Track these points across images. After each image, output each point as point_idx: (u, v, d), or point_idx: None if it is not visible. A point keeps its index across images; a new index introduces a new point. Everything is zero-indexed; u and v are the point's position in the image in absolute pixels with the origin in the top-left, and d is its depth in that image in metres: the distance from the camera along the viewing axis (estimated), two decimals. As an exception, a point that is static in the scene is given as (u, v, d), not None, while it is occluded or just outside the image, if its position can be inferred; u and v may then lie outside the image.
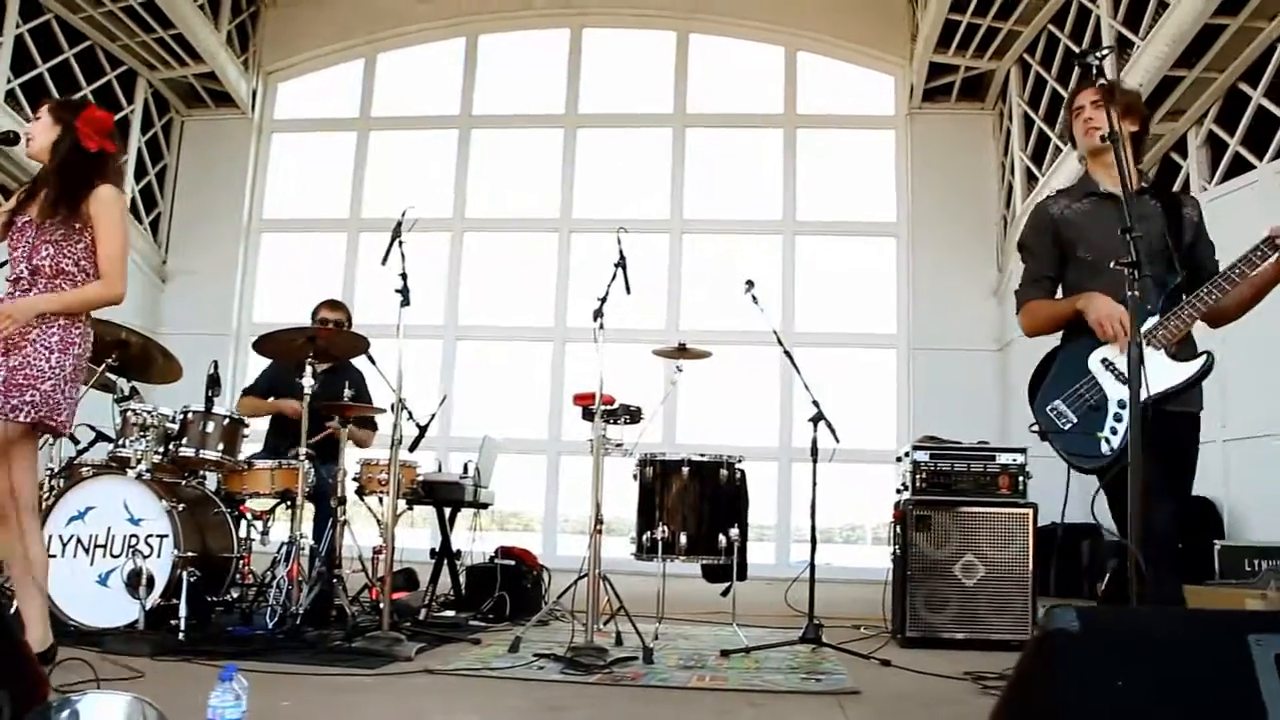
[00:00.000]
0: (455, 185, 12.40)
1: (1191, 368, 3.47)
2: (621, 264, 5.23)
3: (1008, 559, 5.55)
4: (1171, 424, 3.43)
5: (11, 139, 3.89)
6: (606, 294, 5.06)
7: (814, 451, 5.60)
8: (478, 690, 4.12)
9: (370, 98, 13.00)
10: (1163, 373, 3.42)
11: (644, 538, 5.57)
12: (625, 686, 4.26)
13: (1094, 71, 3.41)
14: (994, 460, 5.78)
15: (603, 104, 12.55)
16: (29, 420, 3.65)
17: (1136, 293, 3.08)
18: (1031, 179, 10.61)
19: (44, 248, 3.74)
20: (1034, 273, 3.89)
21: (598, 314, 4.96)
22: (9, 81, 11.07)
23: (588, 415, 5.07)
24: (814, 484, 5.56)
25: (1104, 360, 3.58)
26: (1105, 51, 3.45)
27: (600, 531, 4.90)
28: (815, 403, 5.65)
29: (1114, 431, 3.47)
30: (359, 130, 12.92)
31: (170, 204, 13.10)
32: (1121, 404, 3.46)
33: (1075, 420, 3.56)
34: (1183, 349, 3.53)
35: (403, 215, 5.01)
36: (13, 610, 4.62)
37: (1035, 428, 3.65)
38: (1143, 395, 3.05)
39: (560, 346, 11.81)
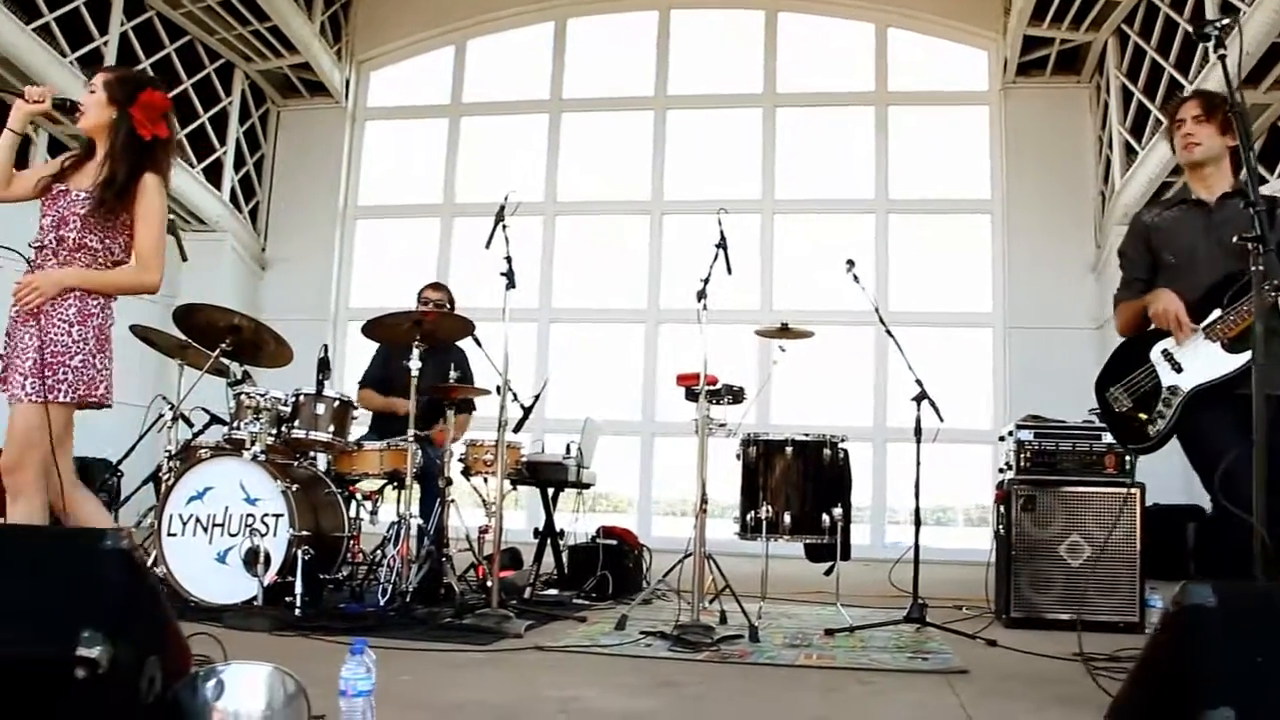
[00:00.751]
0: (546, 169, 12.48)
1: (1239, 360, 3.66)
2: (722, 245, 5.22)
3: (1115, 539, 5.46)
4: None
5: (69, 108, 3.76)
6: (709, 275, 5.06)
7: (918, 431, 5.55)
8: (588, 666, 4.16)
9: (461, 84, 13.12)
10: (1214, 363, 3.73)
11: (748, 517, 5.57)
12: (733, 664, 4.28)
13: (1213, 43, 3.35)
14: (1100, 439, 5.68)
15: (692, 85, 12.52)
16: (70, 400, 3.62)
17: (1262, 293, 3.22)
18: (1131, 153, 10.36)
19: (73, 219, 3.68)
20: (1127, 276, 4.17)
21: (701, 295, 4.96)
22: (114, 77, 11.35)
23: (691, 396, 5.09)
24: (918, 464, 5.52)
25: (1164, 351, 3.86)
26: (1225, 21, 3.38)
27: (705, 511, 4.92)
28: (919, 381, 5.61)
29: (1161, 416, 3.81)
30: (450, 116, 13.05)
31: (268, 193, 13.36)
32: (1172, 390, 3.79)
33: (1129, 405, 3.90)
34: (1240, 342, 3.68)
35: (505, 199, 5.05)
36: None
37: (1094, 410, 4.06)
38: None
39: (653, 328, 11.84)
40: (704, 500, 4.93)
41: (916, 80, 12.15)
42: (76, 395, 3.62)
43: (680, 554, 5.26)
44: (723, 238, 5.24)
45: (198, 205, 12.07)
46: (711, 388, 5.09)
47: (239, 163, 12.90)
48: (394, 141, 13.39)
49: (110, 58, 11.24)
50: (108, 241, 3.74)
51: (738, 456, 5.67)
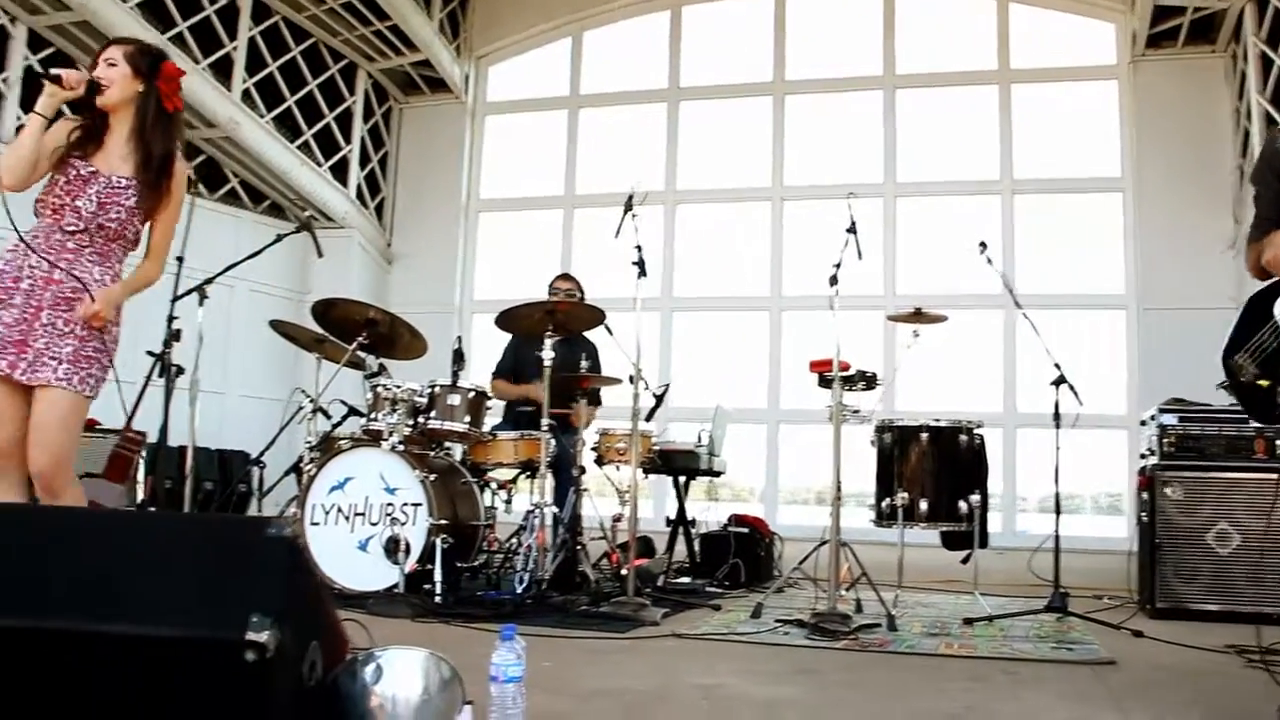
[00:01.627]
0: (666, 158, 12.45)
1: None
2: (853, 230, 5.15)
3: (1266, 527, 5.25)
4: None
5: (94, 88, 3.48)
6: (840, 260, 5.00)
7: (1056, 416, 5.42)
8: (728, 654, 4.16)
9: (579, 76, 13.17)
10: None
11: (883, 504, 5.50)
12: (873, 653, 4.24)
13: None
14: (1249, 422, 5.46)
15: (810, 70, 12.36)
16: (93, 395, 3.50)
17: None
18: (1271, 123, 9.93)
19: (116, 209, 3.49)
20: (1258, 214, 3.54)
21: (833, 280, 4.90)
22: (243, 81, 11.71)
23: (824, 382, 5.04)
24: (1057, 449, 5.39)
25: None
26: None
27: (840, 498, 4.87)
28: (1058, 365, 5.47)
29: None
30: (569, 108, 13.11)
31: (393, 189, 13.61)
32: None
33: (1254, 372, 3.33)
34: None
35: (632, 191, 5.06)
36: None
37: (1221, 384, 3.44)
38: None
39: (776, 315, 11.75)
40: (839, 487, 4.87)
41: (1040, 57, 11.80)
42: (99, 390, 3.53)
43: (807, 541, 5.23)
44: (853, 223, 5.17)
45: (325, 203, 12.34)
46: (845, 374, 5.03)
47: (364, 160, 13.15)
48: (514, 135, 13.51)
49: (240, 63, 11.57)
50: (136, 235, 3.62)
51: (872, 443, 5.60)
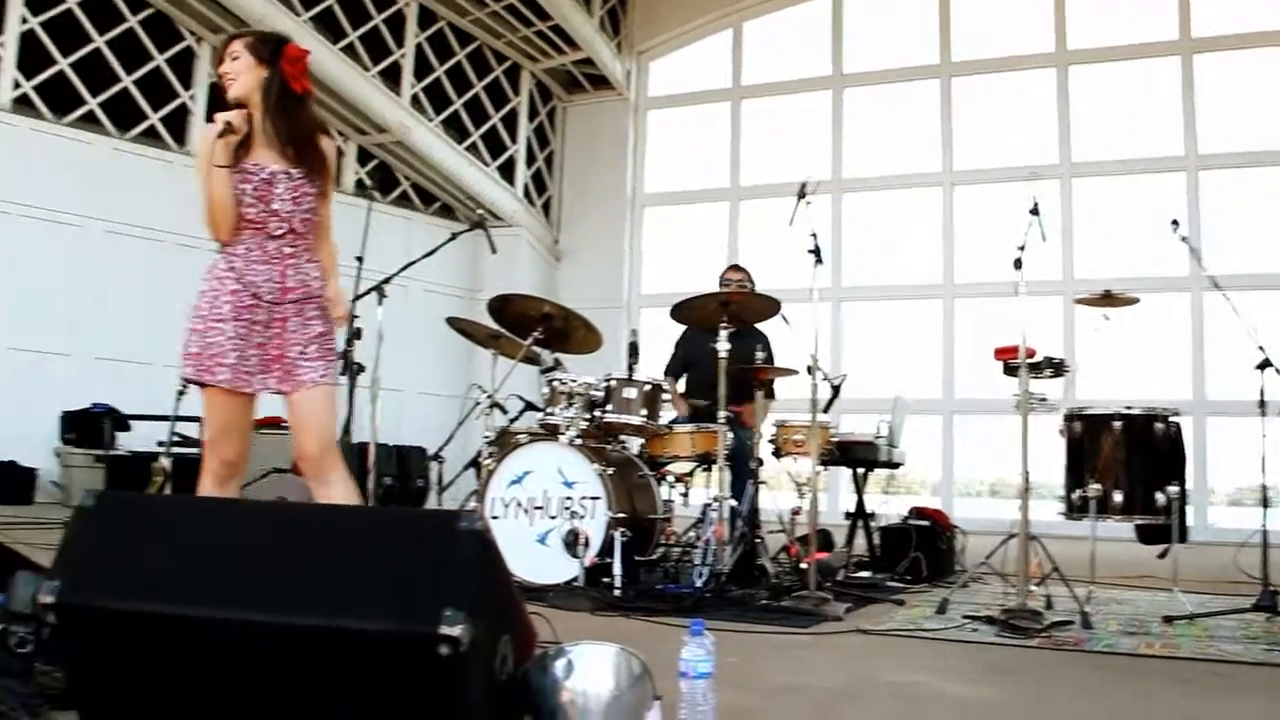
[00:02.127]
0: (831, 146, 12.29)
1: None
2: (1035, 211, 4.95)
3: None
4: None
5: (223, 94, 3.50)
6: (1024, 243, 4.81)
7: (1262, 402, 5.11)
8: (915, 651, 4.04)
9: (740, 67, 13.11)
10: None
11: (1073, 496, 5.27)
12: (1067, 652, 4.06)
13: None
14: None
15: (977, 50, 12.01)
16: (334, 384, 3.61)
17: None
18: None
19: (306, 200, 3.52)
20: None
21: (1018, 264, 4.72)
22: (412, 87, 12.00)
23: (1010, 370, 4.86)
24: (1263, 436, 5.08)
25: None
26: None
27: (1028, 490, 4.68)
28: (1262, 348, 5.16)
29: None
30: (731, 100, 13.07)
31: (559, 186, 13.79)
32: None
33: None
34: None
35: (804, 180, 4.97)
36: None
37: None
38: None
39: (949, 303, 11.48)
40: (1027, 479, 4.69)
41: (1225, 23, 11.20)
42: (337, 374, 3.70)
43: (985, 535, 5.05)
44: (1035, 204, 4.96)
45: (494, 202, 12.56)
46: (1032, 360, 4.83)
47: (530, 159, 13.36)
48: (677, 129, 13.54)
49: (407, 70, 11.89)
50: (321, 210, 3.61)
51: (1061, 432, 5.37)
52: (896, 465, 6.52)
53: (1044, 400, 4.93)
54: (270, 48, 3.50)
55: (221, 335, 3.40)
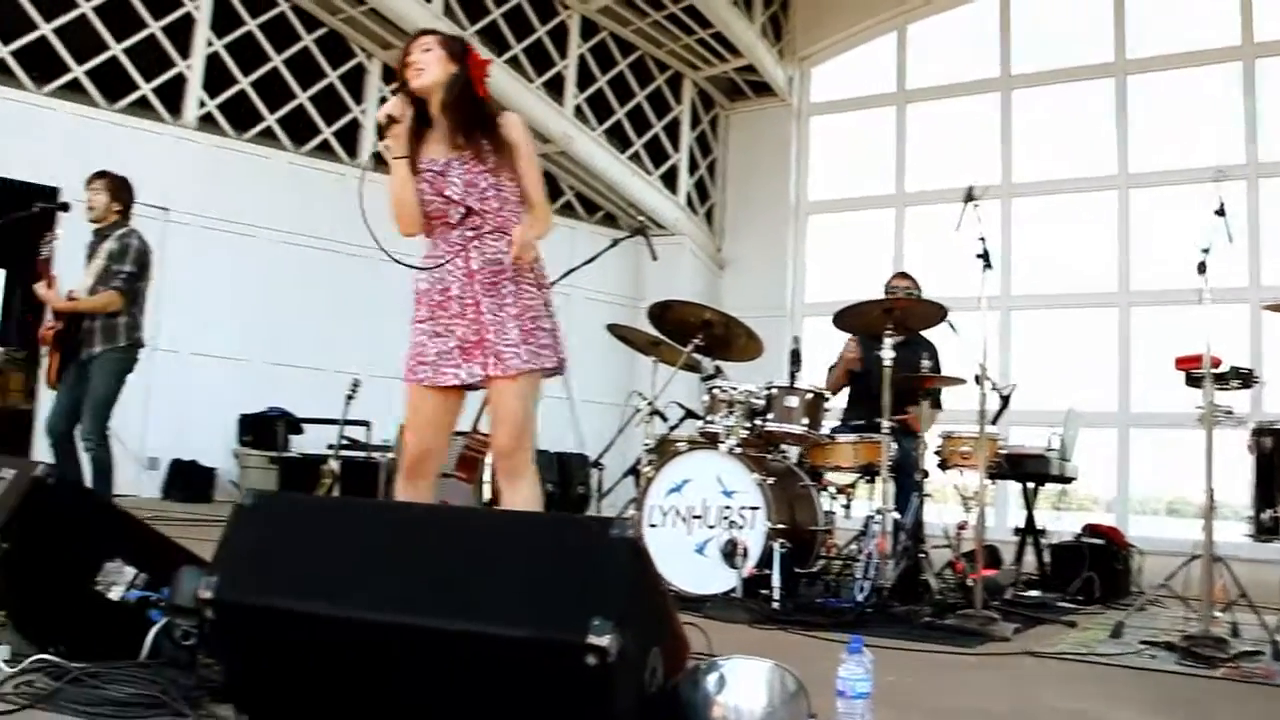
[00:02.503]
0: (1000, 150, 11.92)
1: None
2: (1221, 212, 4.67)
3: None
4: None
5: (405, 88, 3.45)
6: (1209, 246, 4.54)
7: None
8: (1088, 677, 3.84)
9: (904, 70, 12.85)
10: None
11: (1263, 516, 4.94)
12: (1256, 684, 3.79)
13: None
14: None
15: (1155, 46, 11.48)
16: (554, 364, 3.44)
17: None
18: None
19: (479, 179, 3.45)
20: None
21: (1201, 268, 4.46)
22: (575, 97, 12.14)
23: (1192, 381, 4.60)
24: None
25: None
26: None
27: (1213, 509, 4.42)
28: None
29: None
30: (896, 104, 12.82)
31: (721, 194, 13.76)
32: None
33: None
34: None
35: (971, 184, 4.81)
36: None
37: None
38: None
39: (1125, 311, 10.99)
40: (1211, 496, 4.42)
41: None
42: (558, 358, 3.45)
43: (1162, 555, 4.78)
44: (1221, 205, 4.68)
45: (656, 211, 12.59)
46: (1217, 371, 4.56)
47: (693, 167, 13.37)
48: (840, 135, 13.36)
49: (570, 80, 12.04)
50: (513, 186, 3.51)
51: (1250, 448, 5.05)
52: (1069, 480, 6.25)
53: (1230, 413, 4.64)
54: (459, 47, 3.52)
55: (423, 336, 3.44)
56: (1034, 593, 5.87)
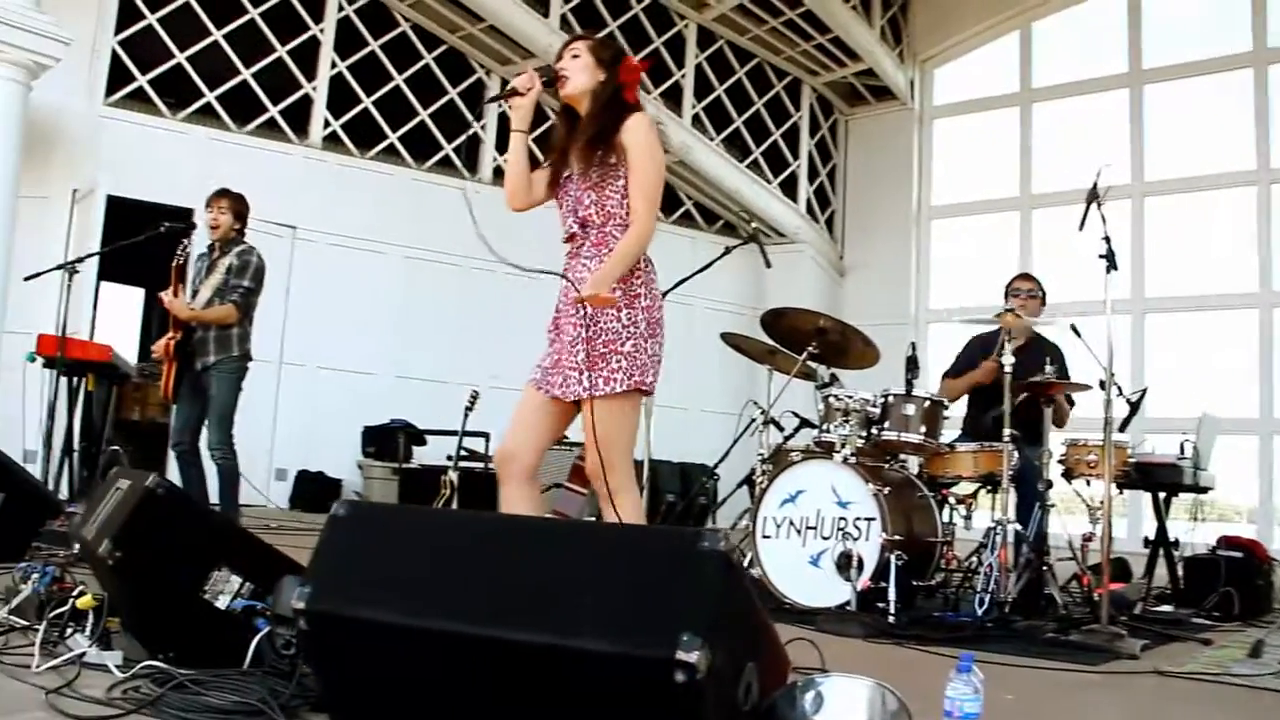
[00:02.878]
0: (1130, 148, 11.53)
1: None
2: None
3: None
4: None
5: (553, 79, 3.45)
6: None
7: None
8: (1220, 699, 3.64)
9: (1029, 69, 12.55)
10: None
11: None
12: None
13: None
14: None
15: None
16: (623, 389, 3.31)
17: None
18: None
19: (587, 194, 3.40)
20: None
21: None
22: (692, 107, 12.13)
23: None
24: None
25: None
26: None
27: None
28: None
29: None
30: (1020, 104, 12.53)
31: (842, 201, 13.61)
32: None
33: None
34: None
35: (1097, 175, 4.59)
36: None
37: None
38: None
39: (1266, 313, 10.52)
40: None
41: None
42: (631, 383, 3.32)
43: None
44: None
45: (776, 219, 12.52)
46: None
47: (812, 174, 13.25)
48: (963, 137, 13.10)
49: (688, 90, 12.05)
50: (625, 200, 3.39)
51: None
52: (1204, 489, 5.97)
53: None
54: (611, 53, 3.50)
55: (548, 338, 3.50)
56: (1165, 608, 5.62)
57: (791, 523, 5.09)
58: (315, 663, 2.31)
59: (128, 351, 7.67)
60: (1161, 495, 5.96)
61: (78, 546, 3.29)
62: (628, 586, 2.03)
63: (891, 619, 4.59)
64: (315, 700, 2.37)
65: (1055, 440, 5.37)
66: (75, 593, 2.93)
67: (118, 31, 9.53)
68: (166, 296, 5.93)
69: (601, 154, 3.38)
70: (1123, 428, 5.57)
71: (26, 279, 6.51)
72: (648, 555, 2.12)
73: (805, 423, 5.99)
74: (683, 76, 12.13)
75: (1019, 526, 5.03)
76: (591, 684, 1.99)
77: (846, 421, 5.20)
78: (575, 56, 3.45)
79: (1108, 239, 4.56)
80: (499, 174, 3.49)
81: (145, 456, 7.33)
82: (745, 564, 5.31)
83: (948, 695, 2.37)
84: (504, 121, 10.32)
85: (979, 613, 4.74)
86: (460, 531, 2.33)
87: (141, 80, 9.63)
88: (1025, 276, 6.18)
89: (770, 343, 5.90)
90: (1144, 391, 5.67)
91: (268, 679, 2.51)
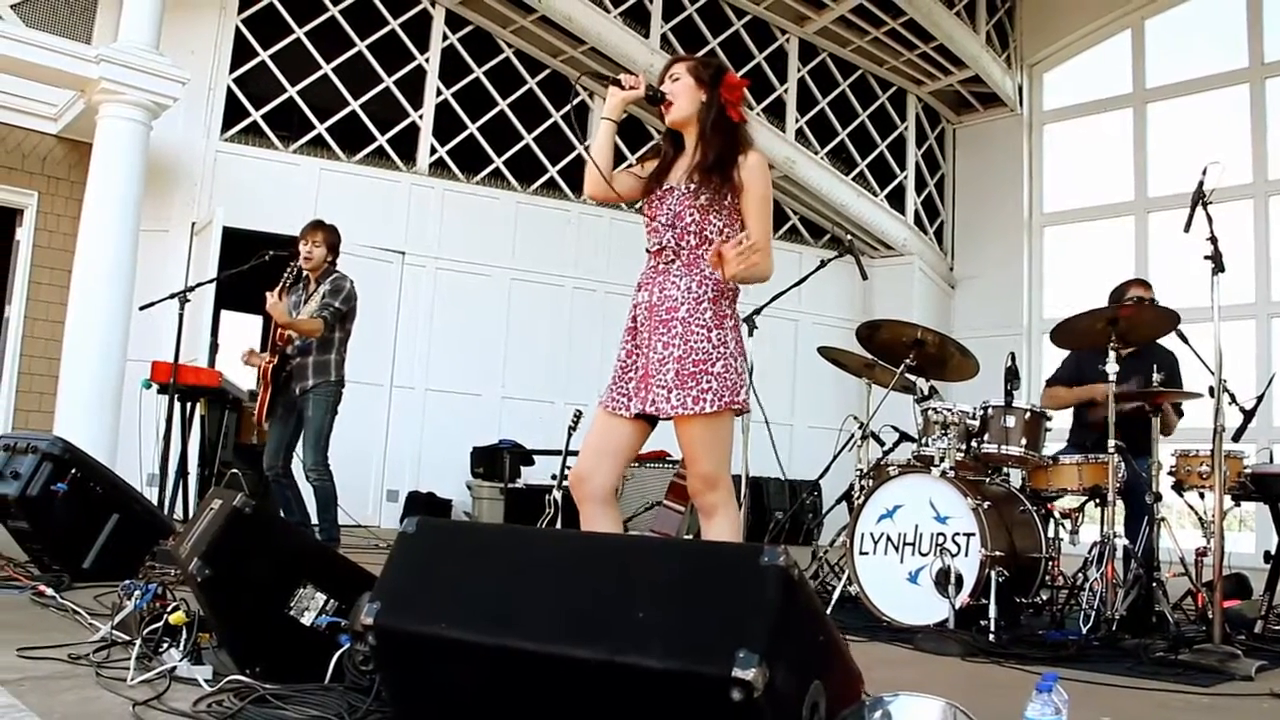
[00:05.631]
0: (1252, 145, 11.13)
1: None
2: None
3: None
4: None
5: (658, 98, 3.42)
6: None
7: None
8: (1342, 720, 3.47)
9: (1142, 68, 12.21)
10: None
11: None
12: None
13: None
14: None
15: None
16: (715, 409, 3.27)
17: None
18: None
19: (688, 213, 3.36)
20: None
21: None
22: (796, 121, 12.07)
23: None
24: None
25: None
26: None
27: None
28: None
29: None
30: (1134, 105, 12.19)
31: (951, 211, 13.39)
32: None
33: None
34: None
35: (1203, 174, 4.42)
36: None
37: None
38: None
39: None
40: None
41: None
42: (722, 403, 3.30)
43: None
44: None
45: (884, 231, 12.38)
46: None
47: (920, 185, 13.06)
48: (1075, 142, 12.79)
49: (791, 104, 12.00)
50: (725, 230, 3.39)
51: None
52: (1329, 501, 5.70)
53: None
54: (711, 72, 3.47)
55: (619, 358, 3.46)
56: (1289, 626, 5.37)
57: (889, 538, 5.00)
58: (384, 676, 2.35)
59: (244, 378, 7.90)
60: (1281, 507, 5.70)
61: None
62: (686, 603, 2.01)
63: (991, 637, 4.48)
64: (390, 715, 2.40)
65: (1165, 451, 5.19)
66: (170, 609, 3.01)
67: (233, 69, 9.86)
68: (271, 296, 6.09)
69: (717, 182, 3.35)
70: (1238, 436, 5.35)
71: (141, 308, 6.75)
72: (707, 571, 2.09)
73: (905, 436, 5.89)
74: (785, 91, 12.08)
75: (1127, 541, 4.87)
76: (649, 701, 1.98)
77: (945, 435, 5.09)
78: (676, 80, 3.45)
79: (1214, 239, 4.38)
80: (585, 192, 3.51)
81: (263, 479, 7.52)
82: (843, 581, 5.26)
83: (1027, 715, 2.29)
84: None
85: (1084, 630, 4.58)
86: (524, 548, 2.34)
87: (255, 115, 9.94)
88: (1139, 282, 5.98)
89: (868, 356, 5.82)
90: (1260, 399, 5.43)
91: (348, 694, 2.55)
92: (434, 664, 2.21)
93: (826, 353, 6.11)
